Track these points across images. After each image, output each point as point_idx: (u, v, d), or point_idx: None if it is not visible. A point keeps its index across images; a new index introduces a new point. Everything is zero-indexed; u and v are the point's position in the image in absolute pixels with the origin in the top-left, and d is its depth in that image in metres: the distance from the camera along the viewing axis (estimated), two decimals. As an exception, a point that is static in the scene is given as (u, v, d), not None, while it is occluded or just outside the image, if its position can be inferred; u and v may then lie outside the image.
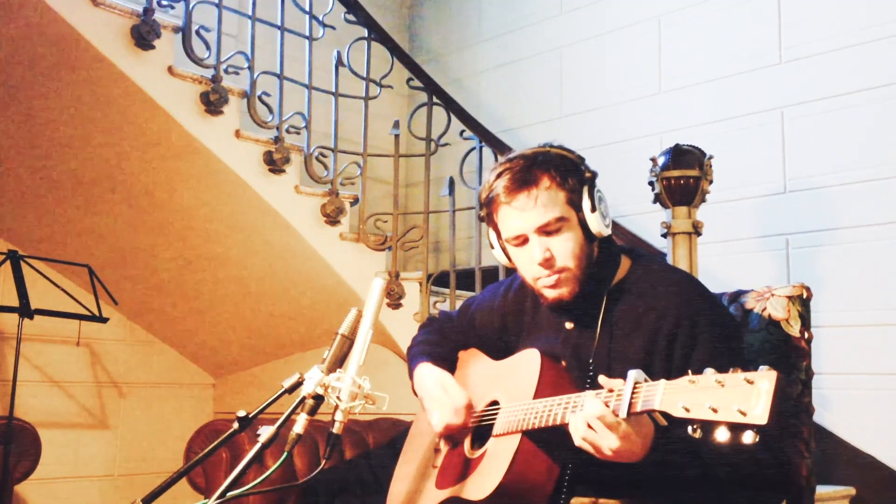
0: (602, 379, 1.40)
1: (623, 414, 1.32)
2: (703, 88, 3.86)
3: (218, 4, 3.21)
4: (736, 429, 1.16)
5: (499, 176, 1.68)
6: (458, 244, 4.08)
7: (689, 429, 1.20)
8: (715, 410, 1.18)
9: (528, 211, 1.64)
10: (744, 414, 1.15)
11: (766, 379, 1.15)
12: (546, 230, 1.64)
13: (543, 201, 1.63)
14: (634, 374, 1.33)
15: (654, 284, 1.68)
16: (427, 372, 1.86)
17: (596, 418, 1.35)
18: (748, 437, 1.15)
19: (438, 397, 1.78)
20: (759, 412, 1.14)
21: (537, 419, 1.53)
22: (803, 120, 3.52)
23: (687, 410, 1.21)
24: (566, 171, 1.66)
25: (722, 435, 1.17)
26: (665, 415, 1.26)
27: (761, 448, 1.48)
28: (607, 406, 1.35)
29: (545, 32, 4.57)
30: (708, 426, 1.19)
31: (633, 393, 1.32)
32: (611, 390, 1.37)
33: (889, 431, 3.17)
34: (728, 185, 3.48)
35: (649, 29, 4.11)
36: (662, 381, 1.28)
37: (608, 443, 1.36)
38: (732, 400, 1.16)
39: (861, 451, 3.21)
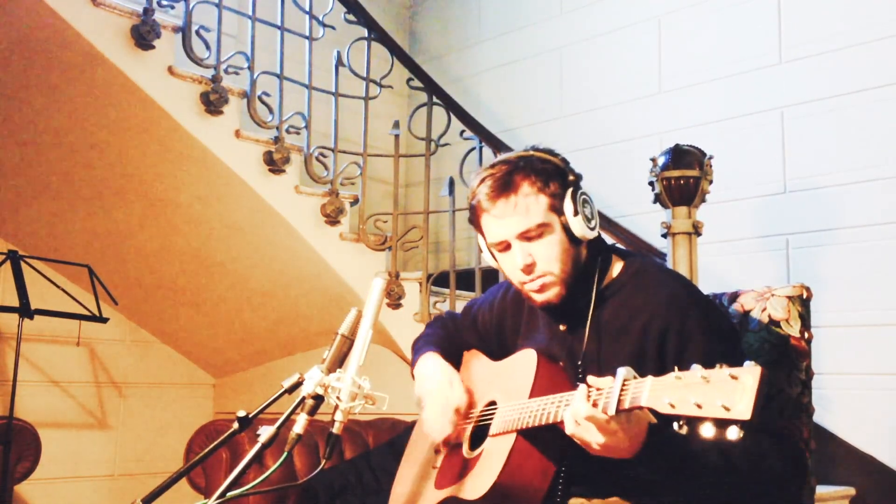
0: (591, 378, 1.40)
1: (612, 411, 1.32)
2: (703, 88, 3.86)
3: (218, 4, 3.21)
4: (720, 424, 1.16)
5: (481, 182, 1.67)
6: (458, 244, 4.07)
7: (675, 425, 1.21)
8: (700, 406, 1.18)
9: (508, 218, 1.64)
10: (727, 409, 1.15)
11: (750, 375, 1.16)
12: (527, 236, 1.64)
13: (523, 208, 1.63)
14: (624, 372, 1.33)
15: (643, 287, 1.67)
16: (436, 362, 1.86)
17: (581, 415, 1.36)
18: (733, 433, 1.15)
19: (442, 390, 1.78)
20: (743, 408, 1.14)
21: (531, 418, 1.54)
22: (803, 120, 3.52)
23: (672, 406, 1.21)
24: (548, 175, 1.65)
25: (707, 431, 1.17)
26: (654, 412, 1.27)
27: (767, 446, 1.49)
28: (596, 404, 1.35)
29: (545, 32, 4.57)
30: (693, 422, 1.19)
31: (621, 390, 1.32)
32: (599, 389, 1.37)
33: (889, 431, 3.17)
34: (728, 185, 3.48)
35: (649, 29, 4.11)
36: (650, 378, 1.29)
37: (595, 438, 1.36)
38: (717, 396, 1.17)
39: (861, 451, 3.21)
